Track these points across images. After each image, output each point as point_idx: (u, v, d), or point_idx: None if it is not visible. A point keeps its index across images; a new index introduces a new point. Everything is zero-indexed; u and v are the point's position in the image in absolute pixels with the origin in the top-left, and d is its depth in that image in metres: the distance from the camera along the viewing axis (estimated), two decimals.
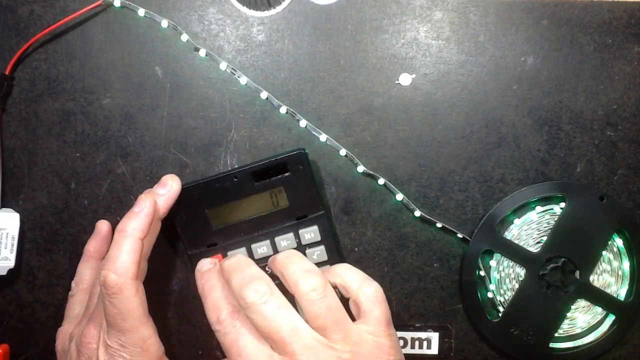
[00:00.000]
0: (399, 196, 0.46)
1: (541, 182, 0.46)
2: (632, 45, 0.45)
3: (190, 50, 0.45)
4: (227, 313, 0.37)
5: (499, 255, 0.45)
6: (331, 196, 0.46)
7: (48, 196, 0.46)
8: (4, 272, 0.45)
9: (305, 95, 0.46)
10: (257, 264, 0.44)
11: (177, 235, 0.44)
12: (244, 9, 0.45)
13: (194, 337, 0.47)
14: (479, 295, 0.46)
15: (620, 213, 0.45)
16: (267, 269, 0.42)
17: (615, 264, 0.46)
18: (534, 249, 0.45)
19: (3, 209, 0.45)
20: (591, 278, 0.45)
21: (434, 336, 0.47)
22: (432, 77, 0.46)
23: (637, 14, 0.45)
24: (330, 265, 0.44)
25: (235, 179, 0.43)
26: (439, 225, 0.46)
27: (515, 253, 0.45)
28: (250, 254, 0.44)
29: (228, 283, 0.39)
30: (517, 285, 0.45)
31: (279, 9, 0.45)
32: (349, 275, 0.39)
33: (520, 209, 0.46)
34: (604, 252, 0.45)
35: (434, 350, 0.47)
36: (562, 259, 0.45)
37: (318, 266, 0.44)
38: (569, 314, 0.45)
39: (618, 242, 0.46)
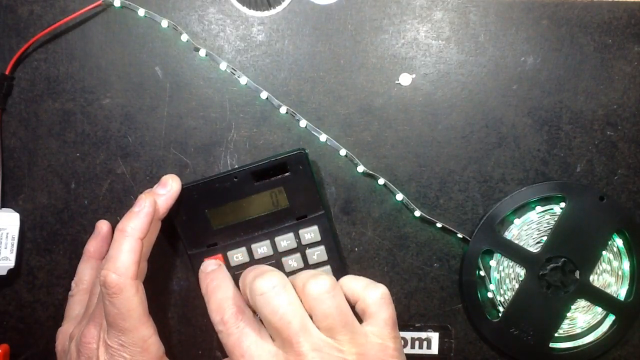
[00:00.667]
0: (399, 196, 0.46)
1: (541, 182, 0.46)
2: (632, 45, 0.45)
3: (190, 50, 0.45)
4: (231, 313, 0.37)
5: (499, 255, 0.45)
6: (331, 196, 0.46)
7: (48, 196, 0.46)
8: (4, 272, 0.45)
9: (305, 95, 0.46)
10: (258, 263, 0.44)
11: (177, 236, 0.44)
12: (244, 9, 0.45)
13: (194, 337, 0.47)
14: (479, 295, 0.46)
15: (620, 213, 0.45)
16: None
17: (615, 264, 0.46)
18: (534, 249, 0.45)
19: (3, 209, 0.45)
20: (591, 278, 0.45)
21: (434, 336, 0.47)
22: (432, 77, 0.46)
23: (637, 14, 0.45)
24: (330, 265, 0.44)
25: (235, 179, 0.43)
26: (439, 225, 0.46)
27: (515, 253, 0.45)
28: (250, 254, 0.44)
29: (243, 280, 0.39)
30: (517, 285, 0.45)
31: (279, 9, 0.45)
32: (353, 282, 0.39)
33: (520, 209, 0.46)
34: (604, 252, 0.45)
35: (434, 350, 0.47)
36: (562, 259, 0.45)
37: (317, 267, 0.44)
38: (569, 314, 0.45)
39: (618, 242, 0.46)
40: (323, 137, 0.45)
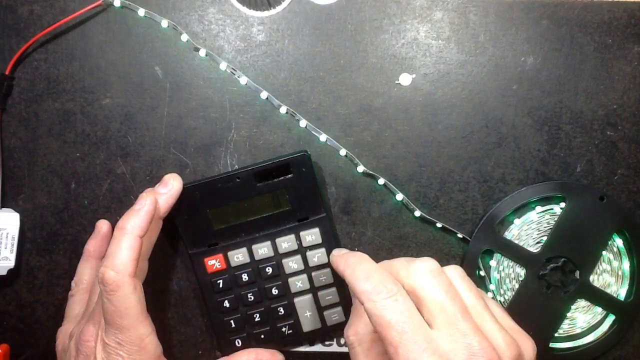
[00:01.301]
0: (399, 196, 0.46)
1: (541, 182, 0.46)
2: (632, 45, 0.45)
3: (190, 50, 0.45)
4: (387, 284, 0.33)
5: (499, 255, 0.45)
6: (331, 196, 0.46)
7: (48, 196, 0.46)
8: (4, 272, 0.45)
9: (305, 95, 0.46)
10: (258, 264, 0.44)
11: (178, 235, 0.44)
12: (244, 9, 0.45)
13: (194, 337, 0.47)
14: None
15: (620, 213, 0.45)
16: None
17: (615, 264, 0.46)
18: (534, 249, 0.45)
19: (3, 209, 0.45)
20: (591, 278, 0.45)
21: None
22: (432, 77, 0.46)
23: (637, 14, 0.45)
24: (331, 268, 0.44)
25: (237, 180, 0.43)
26: (439, 225, 0.46)
27: (515, 253, 0.45)
28: (251, 255, 0.44)
29: (388, 265, 0.36)
30: (517, 285, 0.45)
31: (279, 9, 0.45)
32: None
33: (520, 209, 0.46)
34: (604, 252, 0.45)
35: None
36: (562, 259, 0.45)
37: (318, 269, 0.44)
38: (569, 314, 0.45)
39: (618, 242, 0.46)
40: (323, 137, 0.45)
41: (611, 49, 0.45)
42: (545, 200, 0.46)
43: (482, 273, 0.46)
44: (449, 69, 0.46)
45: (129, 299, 0.38)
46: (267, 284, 0.44)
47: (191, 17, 0.45)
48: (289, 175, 0.43)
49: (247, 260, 0.44)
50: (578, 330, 0.46)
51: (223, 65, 0.45)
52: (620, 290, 0.46)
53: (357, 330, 0.37)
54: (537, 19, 0.45)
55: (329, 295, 0.44)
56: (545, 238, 0.45)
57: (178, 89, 0.45)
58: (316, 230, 0.44)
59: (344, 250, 0.41)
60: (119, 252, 0.38)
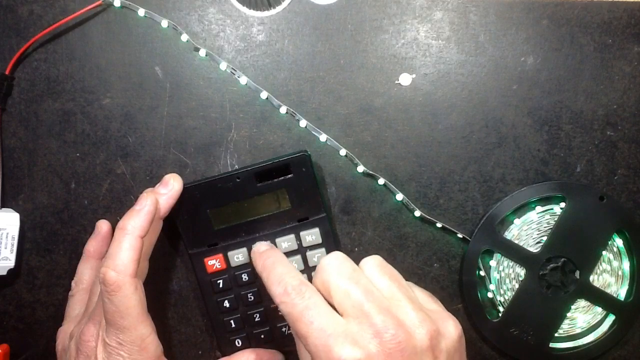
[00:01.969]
0: (399, 196, 0.46)
1: (541, 182, 0.46)
2: (632, 45, 0.45)
3: (190, 50, 0.45)
4: (295, 284, 0.36)
5: (499, 255, 0.45)
6: (331, 196, 0.46)
7: (48, 196, 0.46)
8: (4, 272, 0.45)
9: (305, 95, 0.46)
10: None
11: (178, 235, 0.44)
12: (244, 9, 0.45)
13: (194, 337, 0.47)
14: (479, 295, 0.46)
15: (620, 213, 0.45)
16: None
17: (615, 264, 0.46)
18: (534, 249, 0.45)
19: (3, 209, 0.45)
20: (591, 278, 0.45)
21: None
22: (432, 77, 0.46)
23: (637, 14, 0.45)
24: None
25: (237, 180, 0.43)
26: (439, 225, 0.46)
27: (515, 253, 0.45)
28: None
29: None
30: (517, 285, 0.45)
31: (279, 9, 0.45)
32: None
33: (520, 209, 0.46)
34: (604, 252, 0.45)
35: None
36: (562, 259, 0.45)
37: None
38: (569, 314, 0.45)
39: (618, 242, 0.46)
40: (323, 137, 0.45)
41: (611, 49, 0.45)
42: (545, 200, 0.46)
43: (482, 273, 0.46)
44: (449, 69, 0.46)
45: (130, 299, 0.38)
46: None
47: (191, 17, 0.45)
48: (289, 175, 0.43)
49: (247, 260, 0.44)
50: (578, 330, 0.46)
51: (223, 65, 0.45)
52: (620, 290, 0.46)
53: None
54: (537, 19, 0.45)
55: None
56: (545, 238, 0.45)
57: (178, 89, 0.45)
58: (316, 230, 0.44)
59: (264, 246, 0.42)
60: (120, 252, 0.38)
